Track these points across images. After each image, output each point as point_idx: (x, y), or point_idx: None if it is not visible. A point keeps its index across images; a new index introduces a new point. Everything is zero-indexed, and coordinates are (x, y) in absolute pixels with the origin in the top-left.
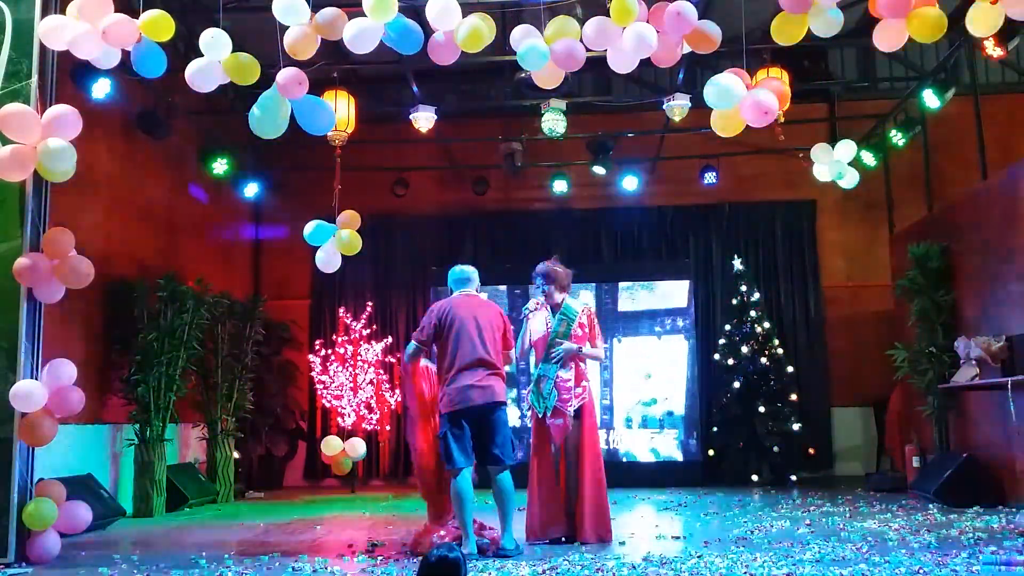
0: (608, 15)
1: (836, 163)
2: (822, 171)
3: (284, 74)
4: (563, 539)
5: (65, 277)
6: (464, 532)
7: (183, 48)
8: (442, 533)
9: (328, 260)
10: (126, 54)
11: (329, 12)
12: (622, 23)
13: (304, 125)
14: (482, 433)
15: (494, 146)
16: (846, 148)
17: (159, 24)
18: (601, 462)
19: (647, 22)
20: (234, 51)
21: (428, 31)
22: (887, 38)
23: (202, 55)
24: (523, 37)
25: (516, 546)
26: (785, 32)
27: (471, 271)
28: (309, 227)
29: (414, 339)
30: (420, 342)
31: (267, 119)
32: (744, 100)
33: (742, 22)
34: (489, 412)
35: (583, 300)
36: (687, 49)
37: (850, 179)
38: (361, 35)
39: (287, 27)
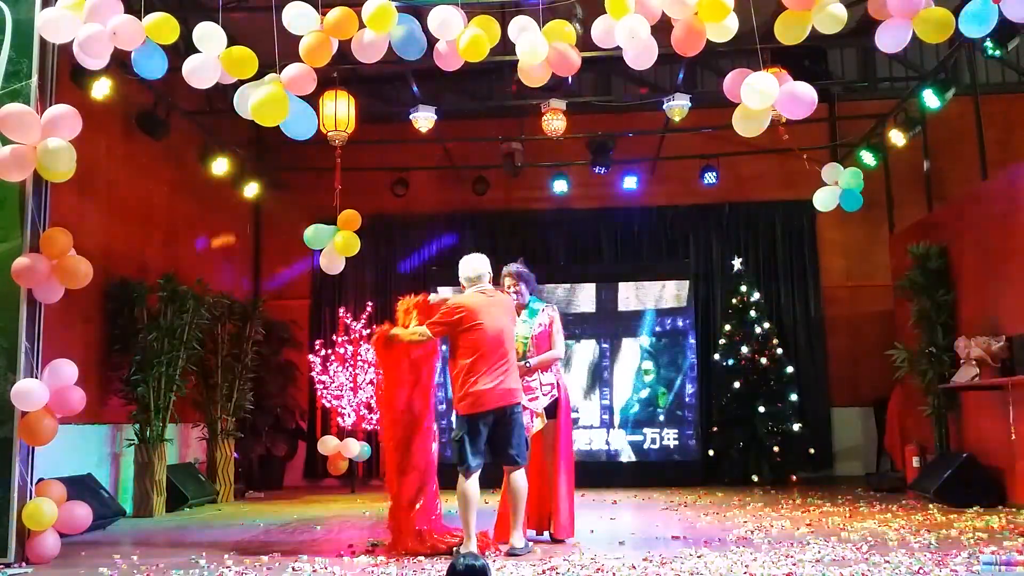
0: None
1: (835, 189)
2: (824, 195)
3: (291, 70)
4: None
5: (64, 277)
6: (466, 533)
7: (183, 48)
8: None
9: (331, 263)
10: (126, 54)
11: (337, 12)
12: (617, 16)
13: (287, 129)
14: (499, 434)
15: (494, 146)
16: (852, 176)
17: (164, 27)
18: (573, 461)
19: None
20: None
21: (428, 29)
22: (890, 38)
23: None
24: (521, 30)
25: (525, 544)
26: (789, 31)
27: (482, 266)
28: (308, 232)
29: (428, 329)
30: (435, 334)
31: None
32: (780, 96)
33: (751, 20)
34: (507, 414)
35: (551, 306)
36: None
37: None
38: (368, 47)
39: (285, 26)
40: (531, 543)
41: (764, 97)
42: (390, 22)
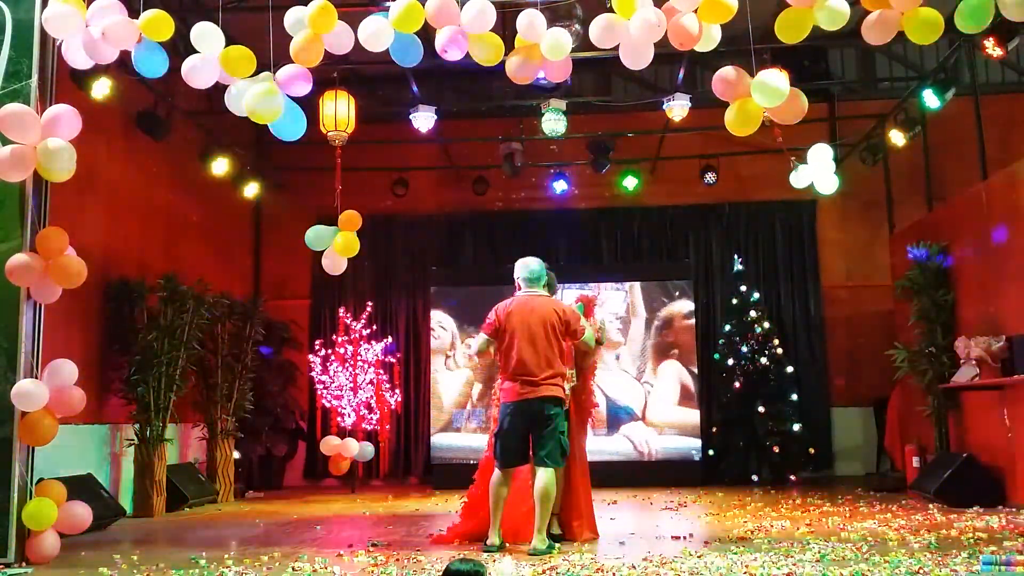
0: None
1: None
2: (803, 176)
3: (287, 71)
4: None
5: (58, 276)
6: (492, 525)
7: (183, 48)
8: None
9: (333, 264)
10: (126, 54)
11: (315, 7)
12: (627, 16)
13: (276, 129)
14: (533, 434)
15: (494, 146)
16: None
17: (158, 23)
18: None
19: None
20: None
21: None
22: (878, 32)
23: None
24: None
25: (549, 545)
26: (790, 29)
27: (538, 270)
28: (309, 234)
29: (482, 331)
30: (488, 335)
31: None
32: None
33: (748, 21)
34: (539, 415)
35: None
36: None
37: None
38: (375, 36)
39: (282, 26)
40: (558, 544)
41: (775, 95)
42: (413, 24)
